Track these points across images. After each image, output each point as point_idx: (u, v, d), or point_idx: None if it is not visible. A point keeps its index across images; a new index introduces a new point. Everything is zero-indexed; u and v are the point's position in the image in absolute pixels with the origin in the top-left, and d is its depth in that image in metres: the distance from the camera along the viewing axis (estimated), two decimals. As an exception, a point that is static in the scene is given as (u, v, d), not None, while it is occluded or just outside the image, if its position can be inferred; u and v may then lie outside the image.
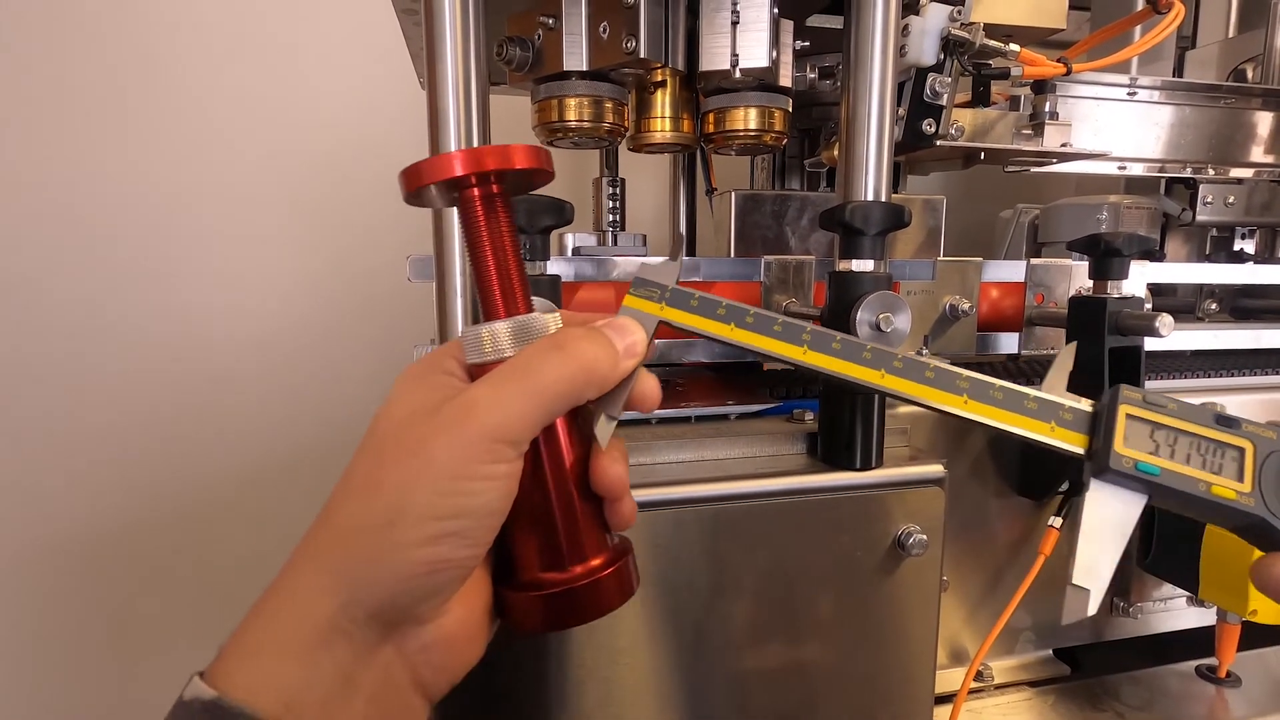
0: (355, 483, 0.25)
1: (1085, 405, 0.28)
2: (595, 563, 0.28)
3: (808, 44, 0.53)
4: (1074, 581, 0.26)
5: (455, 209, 0.29)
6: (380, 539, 0.24)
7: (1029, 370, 0.60)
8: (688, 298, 0.31)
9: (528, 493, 0.26)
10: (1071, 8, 0.60)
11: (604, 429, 0.28)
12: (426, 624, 0.26)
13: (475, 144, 0.42)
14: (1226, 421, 0.27)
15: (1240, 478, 0.26)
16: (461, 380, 0.27)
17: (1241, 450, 0.26)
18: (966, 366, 0.62)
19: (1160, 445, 0.26)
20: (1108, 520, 0.26)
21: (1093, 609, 0.26)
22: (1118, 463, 0.26)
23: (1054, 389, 0.29)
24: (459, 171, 0.25)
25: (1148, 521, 0.57)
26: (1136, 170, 0.73)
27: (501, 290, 0.27)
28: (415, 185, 0.26)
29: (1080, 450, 0.28)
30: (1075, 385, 0.53)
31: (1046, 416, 0.29)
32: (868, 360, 0.30)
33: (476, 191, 0.26)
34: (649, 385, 0.29)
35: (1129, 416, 0.27)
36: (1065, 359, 0.30)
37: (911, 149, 0.56)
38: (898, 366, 0.30)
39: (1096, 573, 0.26)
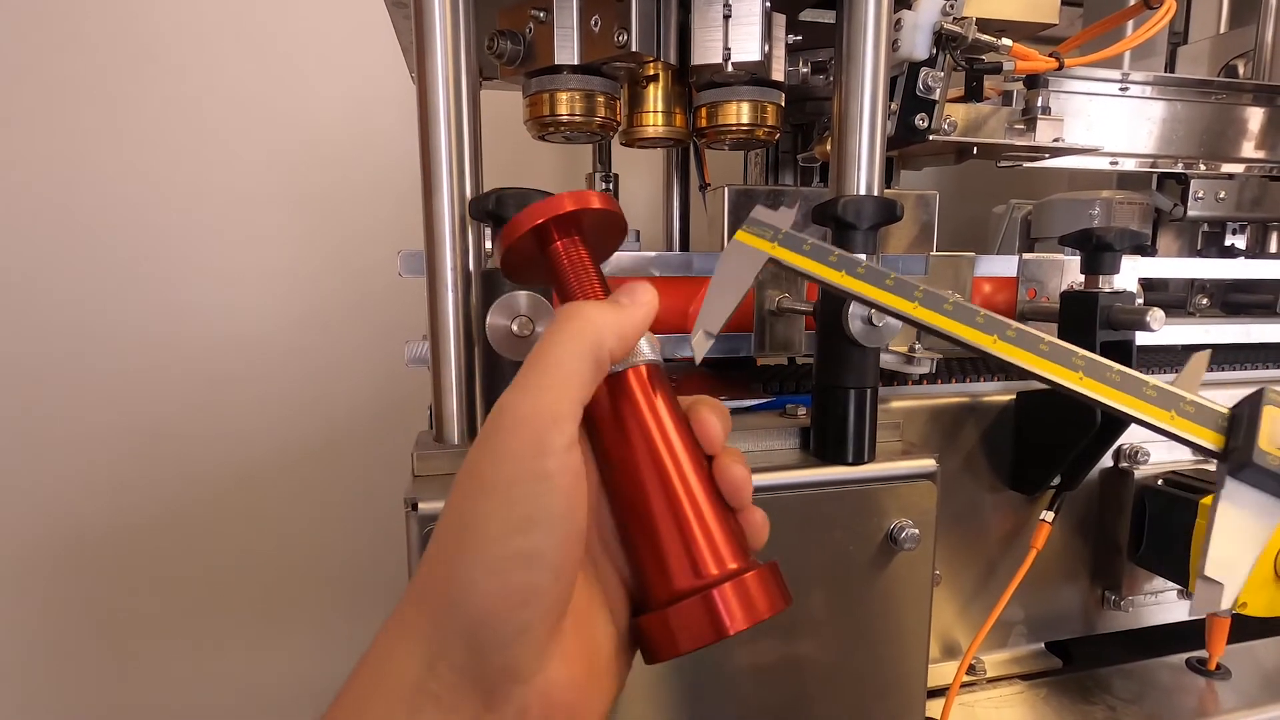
0: (436, 533, 0.24)
1: (1220, 406, 0.28)
2: (734, 566, 0.25)
3: (800, 38, 0.53)
4: (1206, 573, 0.26)
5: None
6: (451, 572, 0.22)
7: (1021, 365, 0.60)
8: (800, 242, 0.32)
9: (650, 490, 0.25)
10: (1064, 3, 0.60)
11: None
12: (526, 683, 0.22)
13: (465, 136, 0.42)
14: None
15: None
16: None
17: None
18: (959, 361, 0.62)
19: None
20: (1244, 518, 0.26)
21: (1226, 604, 0.26)
22: (1261, 458, 0.25)
23: (1186, 388, 0.29)
24: (536, 220, 0.27)
25: (1138, 515, 0.57)
26: (1129, 165, 0.73)
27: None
28: (509, 243, 0.27)
29: (1213, 446, 0.27)
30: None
31: (1166, 405, 0.28)
32: (980, 325, 0.30)
33: (558, 243, 0.28)
34: (737, 473, 0.27)
35: (1276, 418, 0.26)
36: (1198, 366, 0.30)
37: (904, 144, 0.56)
38: (1011, 335, 0.30)
39: (1232, 568, 0.25)
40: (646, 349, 0.27)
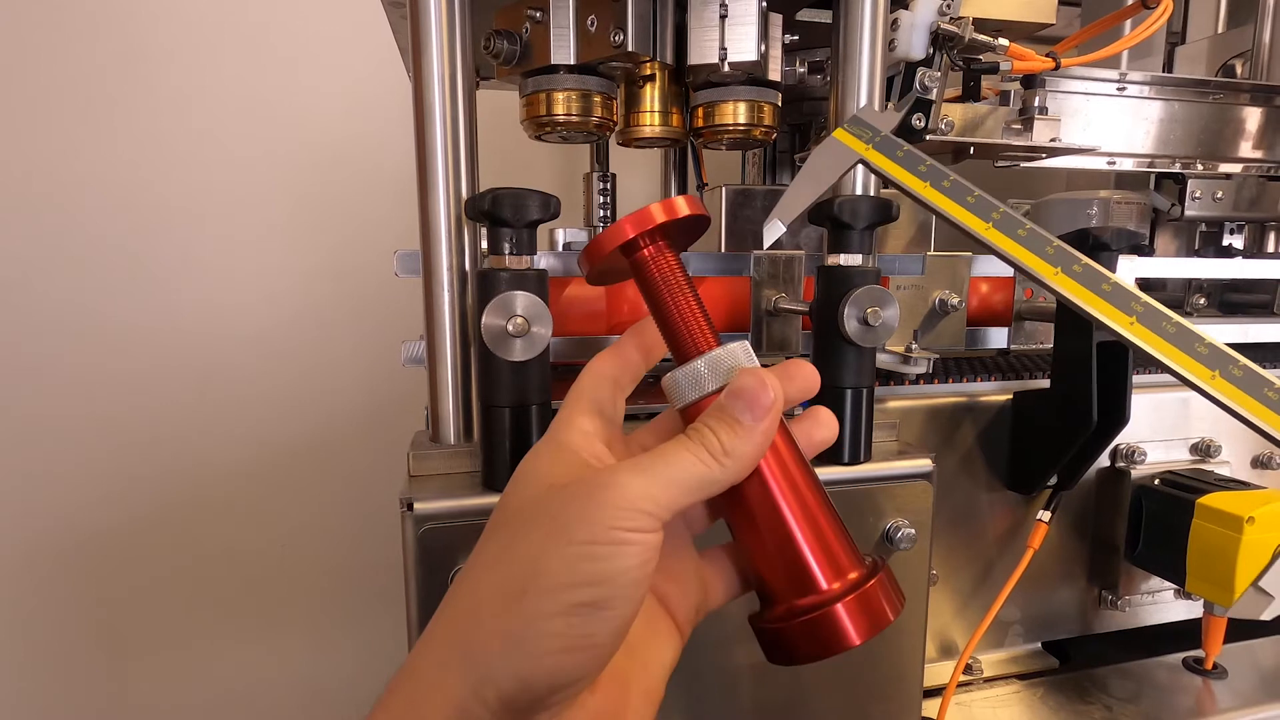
0: (486, 560, 0.25)
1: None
2: (854, 576, 0.26)
3: (797, 38, 0.53)
4: (1261, 584, 0.26)
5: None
6: (513, 610, 0.22)
7: (1018, 365, 0.60)
8: (896, 147, 0.32)
9: (774, 507, 0.26)
10: (1062, 2, 0.60)
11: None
12: (555, 710, 0.24)
13: (461, 136, 0.42)
14: None
15: None
16: (590, 454, 0.27)
17: None
18: (955, 361, 0.62)
19: None
20: None
21: (1268, 615, 0.25)
22: None
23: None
24: (629, 235, 0.27)
25: (1135, 515, 0.57)
26: (1126, 165, 0.73)
27: (690, 332, 0.27)
28: (597, 259, 0.27)
29: None
30: (1061, 381, 0.54)
31: (1254, 390, 0.26)
32: (1049, 256, 0.29)
33: (646, 251, 0.28)
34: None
35: None
36: None
37: (901, 144, 0.56)
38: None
39: None
40: (744, 358, 0.27)
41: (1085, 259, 0.29)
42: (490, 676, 0.22)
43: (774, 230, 0.32)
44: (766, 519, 0.26)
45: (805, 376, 0.28)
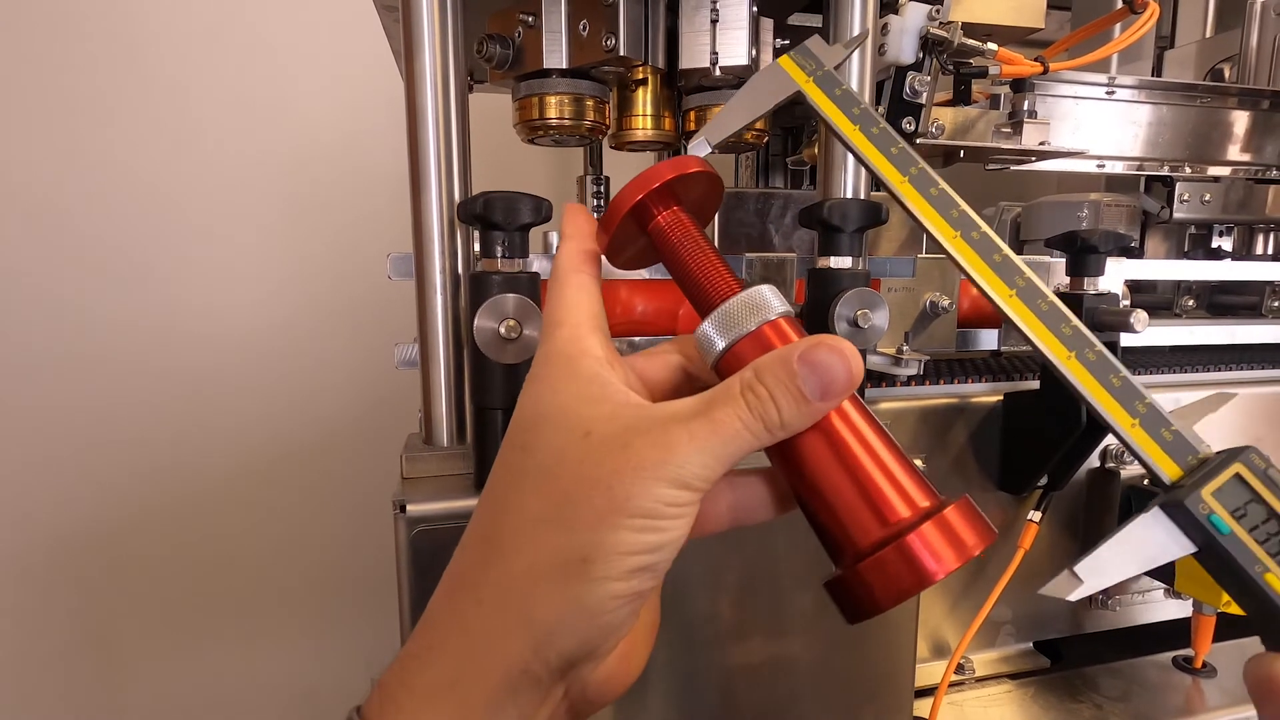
0: (532, 515, 0.24)
1: (1203, 446, 0.26)
2: (928, 505, 0.24)
3: (788, 42, 0.53)
4: (1076, 569, 0.26)
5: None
6: (577, 578, 0.23)
7: (1009, 366, 0.60)
8: (835, 84, 0.30)
9: (831, 457, 0.24)
10: (1051, 7, 0.61)
11: None
12: (602, 659, 0.25)
13: (454, 139, 0.42)
14: None
15: None
16: (614, 387, 0.25)
17: None
18: (946, 362, 0.62)
19: (1247, 514, 0.25)
20: (1145, 547, 0.25)
21: (1073, 598, 0.26)
22: (1194, 504, 0.25)
23: (1184, 416, 0.27)
24: (636, 197, 0.26)
25: (1125, 515, 0.57)
26: (1116, 168, 0.73)
27: (709, 280, 0.26)
28: (610, 231, 0.26)
29: (1166, 475, 0.26)
30: (1049, 382, 0.54)
31: (1152, 430, 0.26)
32: (975, 241, 0.29)
33: (659, 217, 0.27)
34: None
35: (1237, 475, 0.25)
36: (1209, 404, 0.28)
37: (892, 147, 0.57)
38: (997, 259, 0.29)
39: (1101, 574, 0.25)
40: (777, 303, 0.25)
41: (986, 228, 0.29)
42: (553, 640, 0.23)
43: (700, 148, 0.31)
44: (820, 471, 0.24)
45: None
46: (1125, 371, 0.27)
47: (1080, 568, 0.26)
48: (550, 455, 0.24)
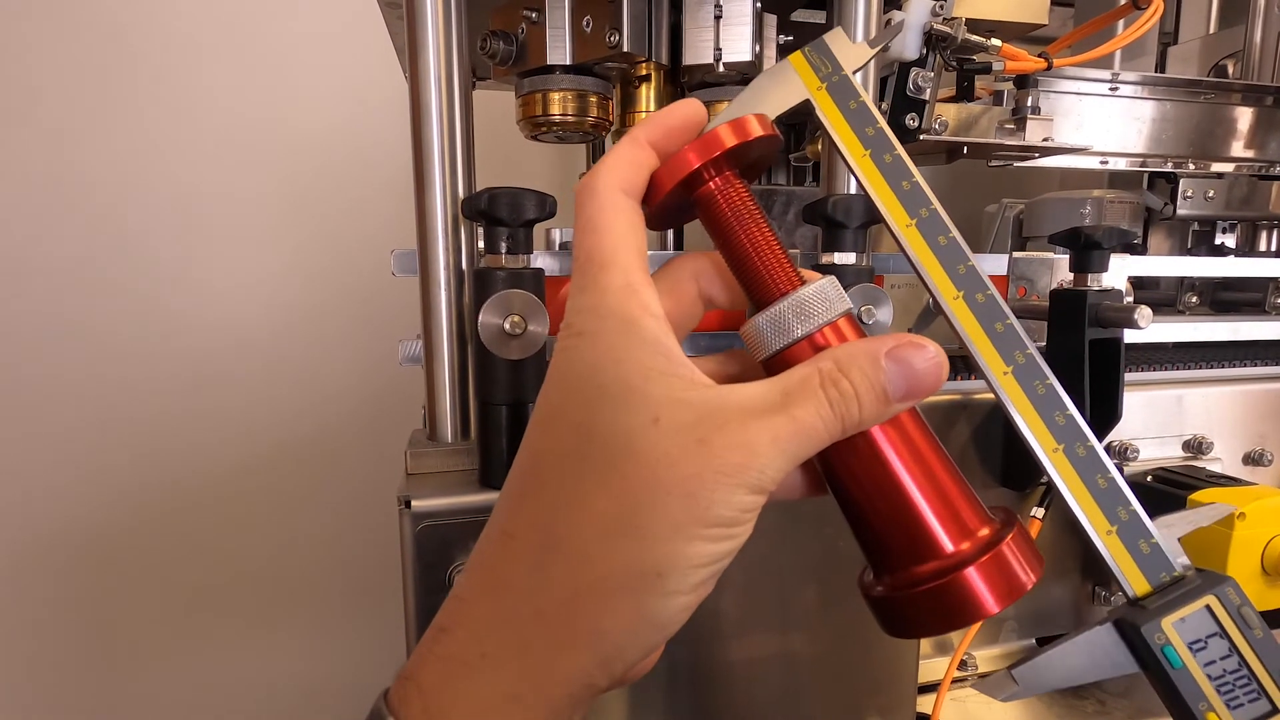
0: (600, 520, 0.21)
1: (1180, 563, 0.25)
2: (985, 534, 0.23)
3: (791, 39, 0.53)
4: (1014, 673, 0.25)
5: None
6: (650, 590, 0.21)
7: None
8: (851, 95, 0.26)
9: (886, 463, 0.23)
10: (1054, 3, 0.60)
11: None
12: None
13: (457, 135, 0.42)
14: None
15: None
16: (680, 361, 0.22)
17: (1275, 712, 0.24)
18: (950, 359, 0.62)
19: (1207, 647, 0.24)
20: (1092, 661, 0.25)
21: (1001, 698, 0.24)
22: (1151, 634, 0.24)
23: (1169, 526, 0.26)
24: (694, 165, 0.23)
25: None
26: (1119, 165, 0.73)
27: (770, 271, 0.24)
28: (657, 199, 0.24)
29: (1134, 590, 0.25)
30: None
31: (1129, 539, 0.25)
32: (959, 274, 0.25)
33: (712, 184, 0.24)
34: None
35: (1208, 607, 0.24)
36: (1202, 515, 0.27)
37: (895, 143, 0.57)
38: (981, 302, 0.26)
39: (1039, 681, 0.24)
40: (841, 302, 0.24)
41: (992, 289, 0.26)
42: (622, 654, 0.22)
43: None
44: (878, 476, 0.23)
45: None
46: (1115, 473, 0.25)
47: (1019, 672, 0.25)
48: (616, 444, 0.21)
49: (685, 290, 0.26)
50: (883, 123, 0.26)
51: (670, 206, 0.25)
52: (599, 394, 0.21)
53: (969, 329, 0.25)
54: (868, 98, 0.26)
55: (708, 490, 0.20)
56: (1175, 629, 0.24)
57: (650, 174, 0.24)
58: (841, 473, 0.24)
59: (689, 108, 0.24)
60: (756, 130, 0.24)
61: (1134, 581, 0.25)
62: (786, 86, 0.26)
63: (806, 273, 0.25)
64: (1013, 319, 0.25)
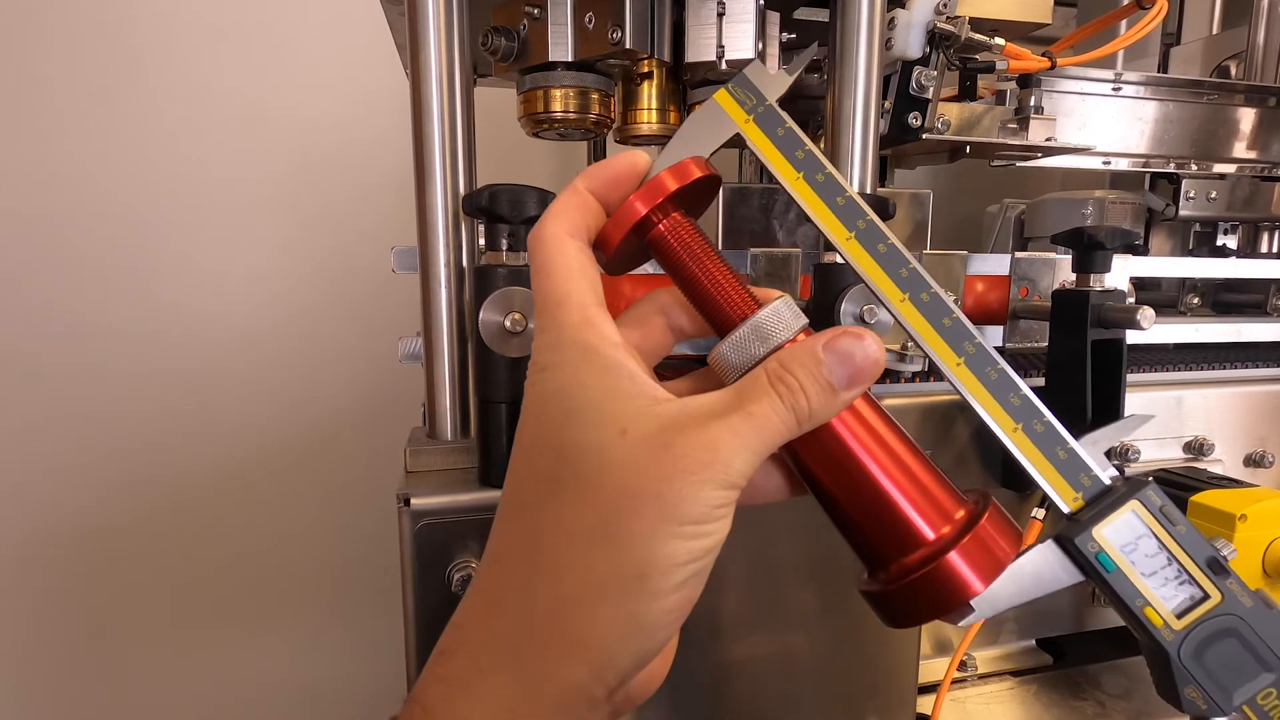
0: (578, 531, 0.22)
1: (1102, 474, 0.26)
2: (961, 516, 0.25)
3: (794, 36, 0.53)
4: (972, 601, 0.26)
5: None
6: (634, 594, 0.22)
7: (1013, 363, 0.60)
8: (778, 123, 0.27)
9: (856, 460, 0.24)
10: (1058, 3, 0.60)
11: None
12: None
13: (459, 132, 0.42)
14: (1216, 568, 0.26)
15: (1180, 616, 0.25)
16: (644, 380, 0.23)
17: (1205, 597, 0.26)
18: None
19: (1137, 549, 0.26)
20: (1039, 576, 0.26)
21: (963, 623, 0.25)
22: (1084, 544, 0.25)
23: (1094, 443, 0.27)
24: (642, 212, 0.25)
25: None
26: (1121, 165, 0.73)
27: (727, 299, 0.25)
28: (611, 247, 0.25)
29: (1067, 506, 0.26)
30: (1055, 379, 0.54)
31: (1047, 447, 0.26)
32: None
33: (660, 226, 0.26)
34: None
35: (1133, 512, 0.26)
36: (1126, 425, 0.28)
37: (897, 142, 0.57)
38: (927, 299, 0.27)
39: (993, 602, 0.25)
40: (795, 320, 0.25)
41: (937, 288, 0.27)
42: (614, 662, 0.22)
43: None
44: (848, 469, 0.24)
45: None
46: (1072, 442, 0.26)
47: (976, 599, 0.25)
48: (589, 459, 0.22)
49: (653, 324, 0.28)
50: (810, 145, 0.27)
51: (625, 252, 0.26)
52: (567, 416, 0.23)
53: (918, 327, 0.26)
54: (793, 124, 0.27)
55: (676, 490, 0.22)
56: (1106, 536, 0.26)
57: (594, 218, 0.26)
58: (815, 470, 0.25)
59: (632, 157, 0.26)
60: (695, 173, 0.25)
61: (1063, 494, 0.26)
62: (717, 124, 0.27)
63: (761, 292, 0.26)
64: (958, 313, 0.26)
